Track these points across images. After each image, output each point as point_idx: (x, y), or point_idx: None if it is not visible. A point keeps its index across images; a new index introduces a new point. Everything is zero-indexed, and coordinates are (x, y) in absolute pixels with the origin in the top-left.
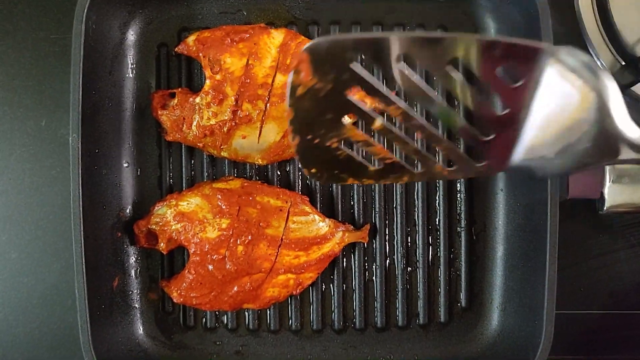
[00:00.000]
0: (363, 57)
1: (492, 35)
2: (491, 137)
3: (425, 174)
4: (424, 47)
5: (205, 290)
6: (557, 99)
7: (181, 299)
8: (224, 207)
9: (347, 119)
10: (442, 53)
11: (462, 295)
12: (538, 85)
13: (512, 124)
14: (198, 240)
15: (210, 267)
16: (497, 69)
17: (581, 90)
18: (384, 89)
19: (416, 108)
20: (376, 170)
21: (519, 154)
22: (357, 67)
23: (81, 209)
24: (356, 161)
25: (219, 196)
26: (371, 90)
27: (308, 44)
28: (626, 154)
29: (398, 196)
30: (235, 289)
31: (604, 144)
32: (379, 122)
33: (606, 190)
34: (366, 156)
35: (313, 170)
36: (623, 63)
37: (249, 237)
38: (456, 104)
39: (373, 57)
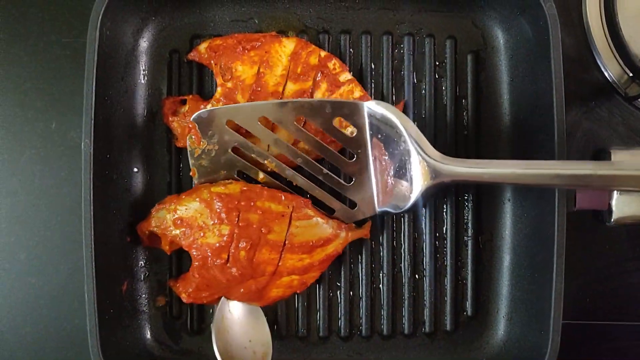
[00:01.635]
0: (234, 120)
1: (500, 48)
2: (352, 182)
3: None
4: (274, 109)
5: (213, 290)
6: (382, 139)
7: (190, 300)
8: (222, 214)
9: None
10: (288, 113)
11: (469, 304)
12: (366, 132)
13: (362, 169)
14: (199, 246)
15: (213, 271)
16: (333, 121)
17: (393, 128)
18: (252, 145)
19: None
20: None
21: (380, 195)
22: (229, 128)
23: (92, 213)
24: None
25: (218, 202)
26: (246, 148)
27: (193, 115)
28: (440, 176)
29: None
30: (242, 290)
31: (423, 168)
32: (261, 175)
33: (614, 202)
34: None
35: None
36: (631, 75)
37: (250, 243)
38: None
39: (240, 121)
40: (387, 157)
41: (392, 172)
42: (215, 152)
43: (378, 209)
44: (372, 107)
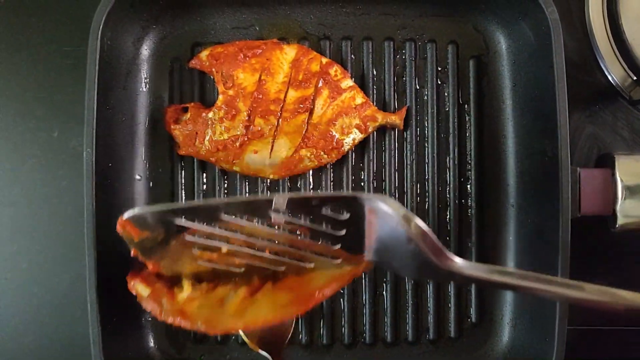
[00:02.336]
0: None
1: (502, 53)
2: (337, 246)
3: (289, 271)
4: (241, 209)
5: None
6: (382, 230)
7: None
8: None
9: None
10: (254, 212)
11: (473, 311)
12: (364, 216)
13: (353, 240)
14: None
15: None
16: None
17: (396, 228)
18: (214, 233)
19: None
20: (242, 273)
21: (370, 256)
22: (182, 222)
23: (94, 223)
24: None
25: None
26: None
27: (125, 214)
28: (448, 276)
29: None
30: None
31: (427, 268)
32: (224, 249)
33: (618, 208)
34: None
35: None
36: (634, 78)
37: None
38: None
39: (201, 219)
40: (387, 242)
41: (390, 256)
42: (162, 237)
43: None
44: (378, 204)
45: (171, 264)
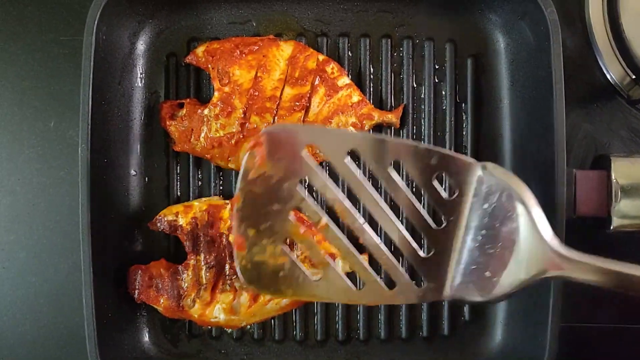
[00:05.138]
0: (317, 147)
1: (500, 52)
2: (430, 253)
3: (366, 294)
4: (371, 146)
5: None
6: (487, 210)
7: None
8: None
9: (292, 217)
10: (385, 154)
11: (466, 309)
12: (469, 199)
13: (447, 239)
14: None
15: None
16: (433, 179)
17: (508, 199)
18: (329, 181)
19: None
20: (318, 286)
21: (457, 277)
22: (306, 155)
23: (89, 218)
24: (298, 275)
25: None
26: (317, 183)
27: (267, 128)
28: (554, 267)
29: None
30: None
31: (532, 255)
32: (324, 220)
33: (613, 209)
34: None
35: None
36: (633, 77)
37: None
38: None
39: (324, 149)
40: (484, 233)
41: (486, 253)
42: (277, 180)
43: (449, 293)
44: (490, 169)
45: (269, 229)
